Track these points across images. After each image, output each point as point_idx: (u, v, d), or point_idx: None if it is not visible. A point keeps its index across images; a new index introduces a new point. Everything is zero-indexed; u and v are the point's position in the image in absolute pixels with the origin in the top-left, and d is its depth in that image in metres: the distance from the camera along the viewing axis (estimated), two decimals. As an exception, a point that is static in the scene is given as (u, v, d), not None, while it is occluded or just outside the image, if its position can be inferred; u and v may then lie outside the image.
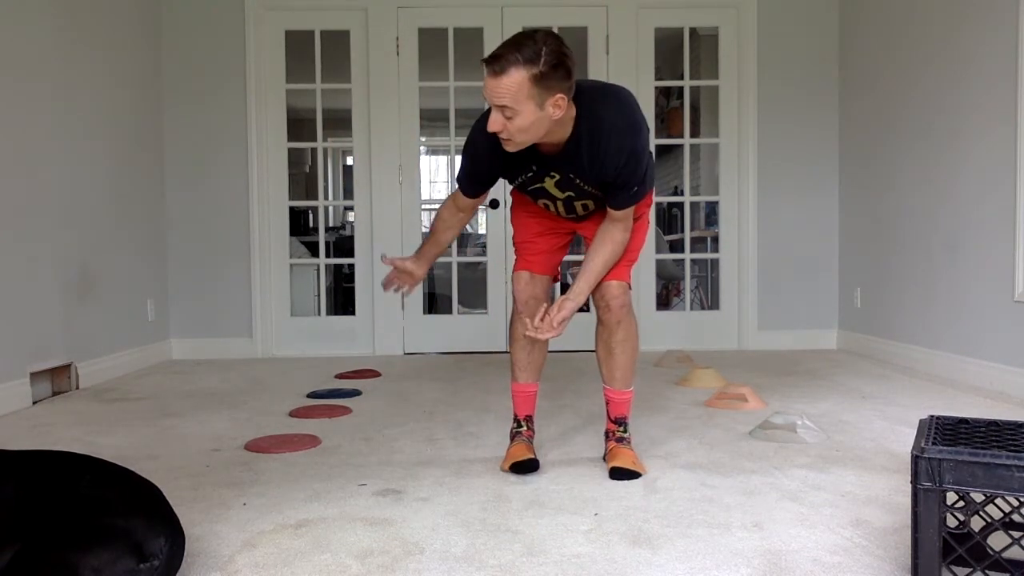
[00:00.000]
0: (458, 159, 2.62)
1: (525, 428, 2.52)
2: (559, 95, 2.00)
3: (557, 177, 2.21)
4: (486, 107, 2.12)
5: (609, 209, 2.25)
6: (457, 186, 2.36)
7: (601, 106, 2.14)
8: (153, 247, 4.90)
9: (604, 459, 2.48)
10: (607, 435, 2.48)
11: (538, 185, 2.26)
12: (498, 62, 1.96)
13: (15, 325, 3.47)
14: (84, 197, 4.08)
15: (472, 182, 2.32)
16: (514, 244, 2.52)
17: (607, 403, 2.48)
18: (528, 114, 2.00)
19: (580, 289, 2.26)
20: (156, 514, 1.55)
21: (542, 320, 2.18)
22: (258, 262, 5.12)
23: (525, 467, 2.36)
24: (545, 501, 2.10)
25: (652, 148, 2.54)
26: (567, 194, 2.27)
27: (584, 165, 2.16)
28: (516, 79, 1.95)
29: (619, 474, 2.31)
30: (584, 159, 2.15)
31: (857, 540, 1.80)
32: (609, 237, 2.28)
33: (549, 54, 1.96)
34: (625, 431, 2.46)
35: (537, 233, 2.45)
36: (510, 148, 2.11)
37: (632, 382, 2.48)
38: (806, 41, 5.16)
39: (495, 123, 2.03)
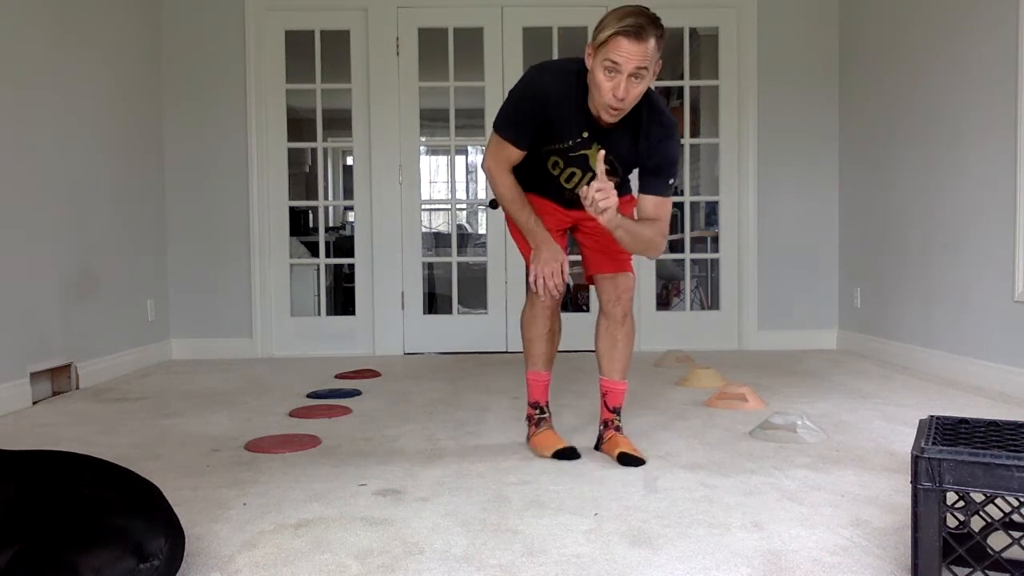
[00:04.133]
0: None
1: (548, 414, 2.62)
2: (659, 59, 2.13)
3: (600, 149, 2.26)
4: (531, 77, 2.23)
5: (645, 208, 2.28)
6: (506, 139, 2.28)
7: (657, 97, 2.27)
8: (153, 247, 4.90)
9: (598, 448, 2.56)
10: (606, 424, 2.56)
11: (582, 152, 2.28)
12: (644, 29, 2.04)
13: (15, 325, 3.47)
14: (84, 197, 4.08)
15: (525, 136, 2.26)
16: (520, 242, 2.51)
17: (605, 394, 2.57)
18: (650, 78, 2.11)
19: (619, 219, 2.11)
20: (156, 514, 1.55)
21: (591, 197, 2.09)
22: (258, 262, 5.12)
23: (568, 455, 2.45)
24: (545, 501, 2.10)
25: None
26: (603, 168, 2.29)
27: (630, 143, 2.24)
28: (654, 44, 2.07)
29: (627, 459, 2.39)
30: (635, 137, 2.23)
31: (857, 540, 1.80)
32: (648, 226, 2.26)
33: (661, 23, 2.11)
34: (620, 420, 2.58)
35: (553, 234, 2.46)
36: (615, 118, 2.17)
37: (627, 373, 2.60)
38: (806, 41, 5.16)
39: (623, 90, 2.07)
